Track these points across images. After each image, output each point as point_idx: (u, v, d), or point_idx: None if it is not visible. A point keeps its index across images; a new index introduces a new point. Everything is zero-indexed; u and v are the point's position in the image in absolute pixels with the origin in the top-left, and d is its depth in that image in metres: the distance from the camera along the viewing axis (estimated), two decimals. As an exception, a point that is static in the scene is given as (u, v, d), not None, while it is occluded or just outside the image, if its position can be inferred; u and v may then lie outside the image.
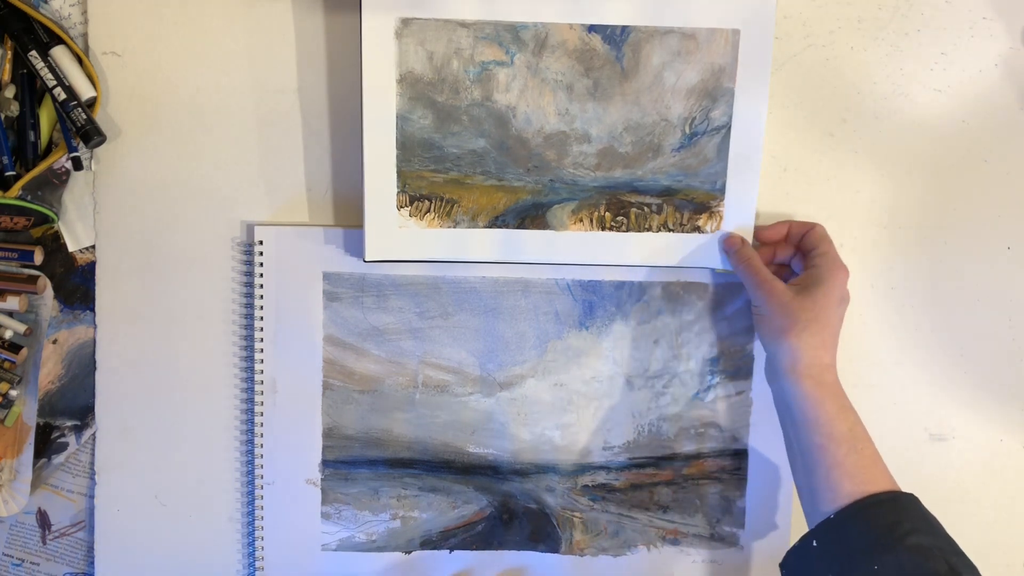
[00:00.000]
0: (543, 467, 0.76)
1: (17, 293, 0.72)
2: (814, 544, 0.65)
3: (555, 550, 0.76)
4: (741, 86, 0.70)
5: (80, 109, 0.69)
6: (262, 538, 0.75)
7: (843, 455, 0.65)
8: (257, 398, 0.74)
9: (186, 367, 0.75)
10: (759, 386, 0.76)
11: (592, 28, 0.69)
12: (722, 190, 0.72)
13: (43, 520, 0.77)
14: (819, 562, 0.64)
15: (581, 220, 0.72)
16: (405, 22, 0.68)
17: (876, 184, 0.75)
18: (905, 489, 0.64)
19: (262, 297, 0.73)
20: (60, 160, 0.71)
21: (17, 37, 0.69)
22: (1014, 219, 0.76)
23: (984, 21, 0.74)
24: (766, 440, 0.76)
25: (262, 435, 0.74)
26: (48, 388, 0.75)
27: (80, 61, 0.70)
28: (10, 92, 0.70)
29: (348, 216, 0.74)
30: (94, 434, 0.75)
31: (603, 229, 0.72)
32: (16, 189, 0.68)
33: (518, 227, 0.71)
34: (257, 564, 0.75)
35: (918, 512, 0.64)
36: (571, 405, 0.75)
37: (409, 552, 0.76)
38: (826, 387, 0.66)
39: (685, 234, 0.72)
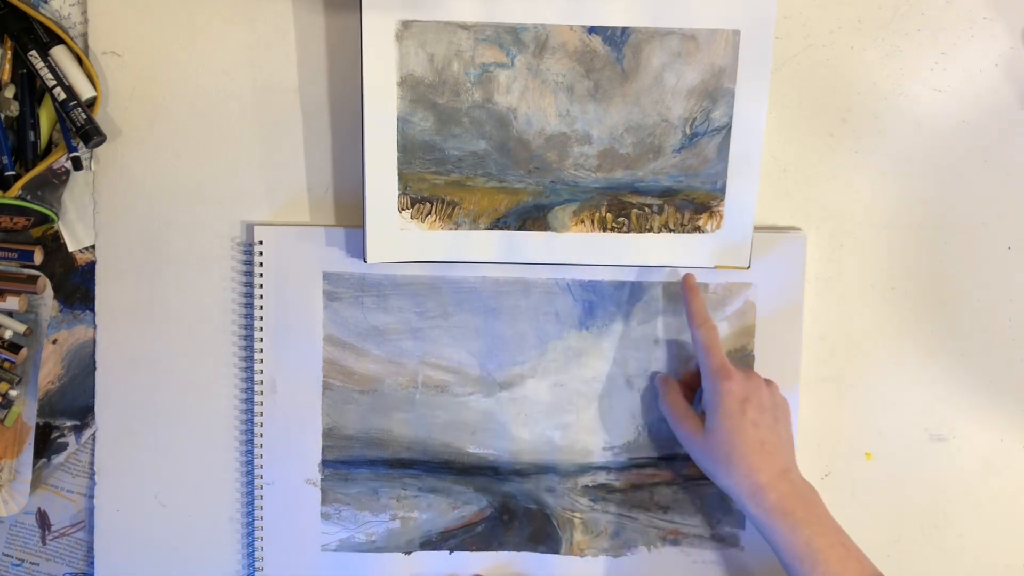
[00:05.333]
0: (543, 467, 0.76)
1: (17, 293, 0.72)
2: None
3: (555, 551, 0.76)
4: (741, 86, 0.70)
5: (80, 109, 0.69)
6: (262, 538, 0.75)
7: (808, 572, 0.65)
8: (257, 398, 0.74)
9: (186, 367, 0.75)
10: (759, 386, 0.76)
11: (592, 29, 0.69)
12: (722, 190, 0.72)
13: (43, 520, 0.77)
14: None
15: (582, 221, 0.72)
16: (405, 24, 0.68)
17: (876, 184, 0.75)
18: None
19: (262, 297, 0.73)
20: (60, 160, 0.71)
21: (17, 37, 0.69)
22: (1014, 219, 0.76)
23: (984, 21, 0.74)
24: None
25: (262, 435, 0.74)
26: (48, 388, 0.75)
27: (80, 61, 0.70)
28: (10, 92, 0.69)
29: (348, 216, 0.74)
30: (94, 434, 0.75)
31: (604, 230, 0.72)
32: (16, 189, 0.68)
33: (519, 229, 0.71)
34: (257, 564, 0.75)
35: None
36: (571, 405, 0.75)
37: (409, 553, 0.76)
38: (770, 510, 0.67)
39: (686, 234, 0.72)
